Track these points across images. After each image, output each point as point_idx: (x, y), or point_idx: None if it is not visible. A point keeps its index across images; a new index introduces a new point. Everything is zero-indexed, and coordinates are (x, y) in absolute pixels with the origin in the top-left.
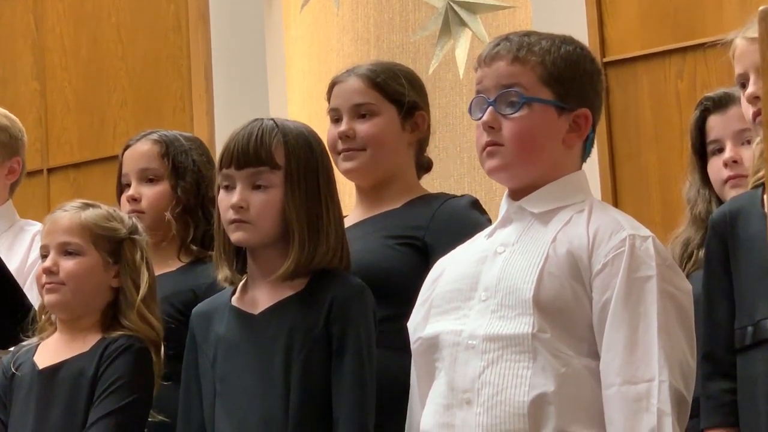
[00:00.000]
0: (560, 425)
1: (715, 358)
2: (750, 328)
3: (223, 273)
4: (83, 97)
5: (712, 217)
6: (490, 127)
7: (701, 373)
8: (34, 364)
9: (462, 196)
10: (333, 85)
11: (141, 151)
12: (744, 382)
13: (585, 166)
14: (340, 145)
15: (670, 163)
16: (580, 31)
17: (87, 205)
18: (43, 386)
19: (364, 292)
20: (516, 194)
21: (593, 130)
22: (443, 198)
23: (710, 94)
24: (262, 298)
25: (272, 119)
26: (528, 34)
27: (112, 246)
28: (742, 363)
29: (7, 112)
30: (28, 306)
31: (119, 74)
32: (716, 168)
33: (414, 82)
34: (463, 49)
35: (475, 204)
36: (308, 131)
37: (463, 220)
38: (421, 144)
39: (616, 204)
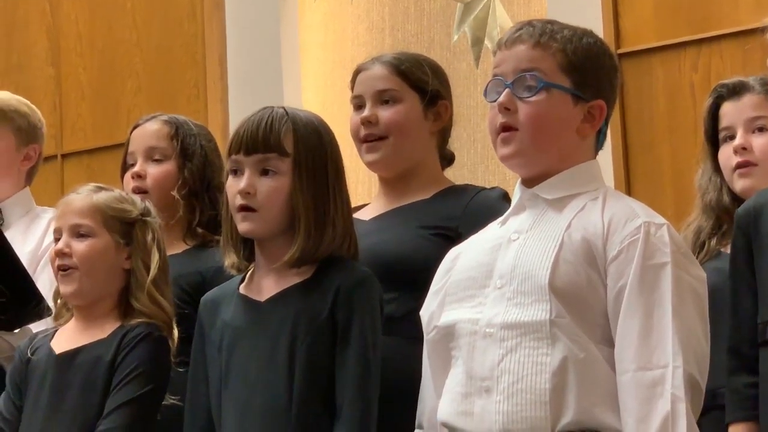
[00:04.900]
0: (580, 411)
1: (740, 353)
2: None
3: (230, 259)
4: (98, 84)
5: (737, 212)
6: (506, 109)
7: (726, 368)
8: (50, 350)
9: (493, 188)
10: (357, 72)
11: (151, 130)
12: (765, 376)
13: (599, 156)
14: (363, 132)
15: (683, 155)
16: (595, 23)
17: (99, 188)
18: (59, 371)
19: (371, 280)
20: (528, 182)
21: (606, 124)
22: (475, 190)
23: (725, 81)
24: (268, 285)
25: (282, 107)
26: (551, 22)
27: (124, 227)
28: (764, 357)
29: (28, 102)
30: (39, 297)
31: (134, 61)
32: (726, 155)
33: (438, 72)
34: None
35: (506, 197)
36: (318, 120)
37: (496, 212)
38: (444, 134)
39: (629, 195)
